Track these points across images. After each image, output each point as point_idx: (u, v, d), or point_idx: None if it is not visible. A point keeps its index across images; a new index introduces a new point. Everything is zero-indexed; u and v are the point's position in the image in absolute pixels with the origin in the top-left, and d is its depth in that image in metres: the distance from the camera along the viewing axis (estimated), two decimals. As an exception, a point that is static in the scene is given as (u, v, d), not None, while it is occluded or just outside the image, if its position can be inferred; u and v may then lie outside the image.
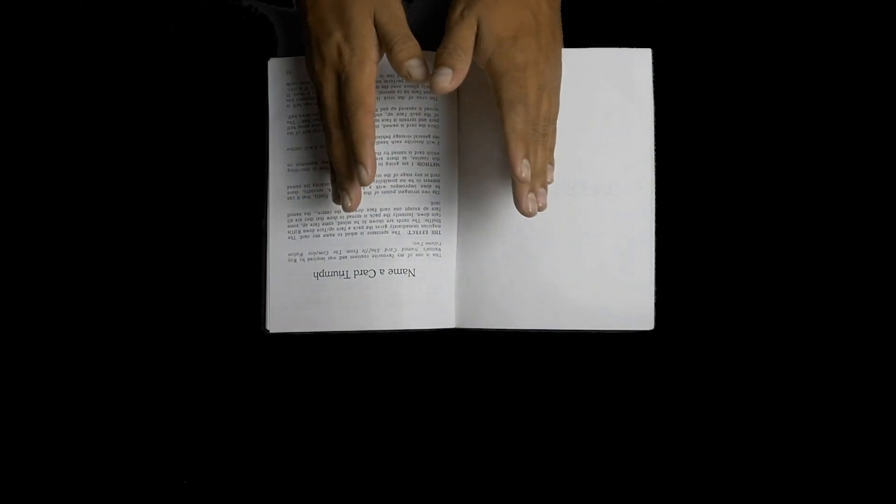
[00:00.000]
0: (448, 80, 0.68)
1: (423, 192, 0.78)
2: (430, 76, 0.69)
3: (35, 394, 0.78)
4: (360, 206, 0.77)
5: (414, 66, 0.70)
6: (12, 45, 0.80)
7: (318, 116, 0.75)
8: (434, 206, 0.78)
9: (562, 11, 0.74)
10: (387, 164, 0.78)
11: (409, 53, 0.70)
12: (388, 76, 0.77)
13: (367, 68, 0.70)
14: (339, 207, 0.77)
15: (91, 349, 0.78)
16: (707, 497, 0.77)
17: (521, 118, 0.69)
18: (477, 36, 0.70)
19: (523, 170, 0.69)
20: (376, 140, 0.78)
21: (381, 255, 0.77)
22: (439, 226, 0.77)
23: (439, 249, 0.77)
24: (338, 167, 0.72)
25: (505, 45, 0.69)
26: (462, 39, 0.69)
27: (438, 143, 0.78)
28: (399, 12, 0.72)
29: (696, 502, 0.77)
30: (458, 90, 0.71)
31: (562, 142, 0.77)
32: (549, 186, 0.76)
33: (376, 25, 0.71)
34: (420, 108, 0.77)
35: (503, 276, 0.77)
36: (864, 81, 0.78)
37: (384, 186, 0.78)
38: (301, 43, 0.76)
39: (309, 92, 0.78)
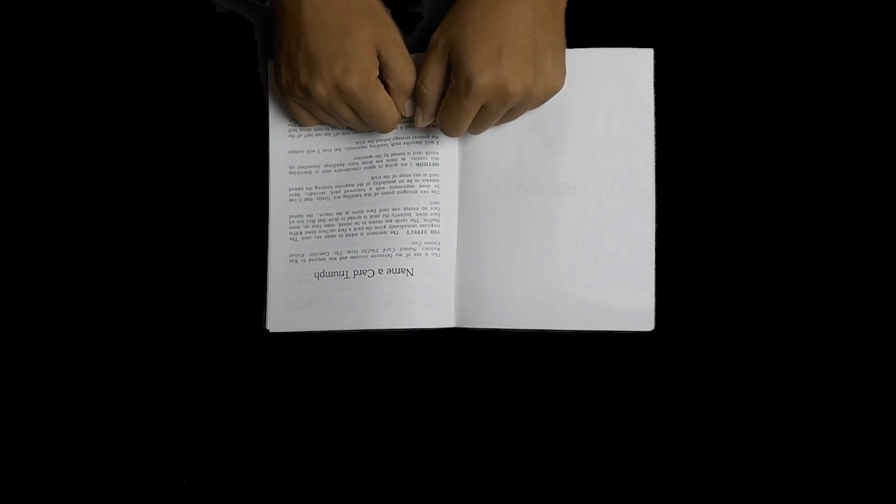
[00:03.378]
0: (420, 120, 0.75)
1: (421, 191, 0.78)
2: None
3: (36, 393, 0.79)
4: (360, 208, 0.78)
5: (409, 105, 0.75)
6: (11, 52, 0.80)
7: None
8: (433, 205, 0.78)
9: (565, 12, 0.74)
10: (386, 165, 0.78)
11: (410, 94, 0.74)
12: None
13: (377, 89, 0.73)
14: (340, 209, 0.78)
15: (92, 349, 0.79)
16: (707, 497, 0.76)
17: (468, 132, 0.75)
18: (451, 61, 0.71)
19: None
20: (375, 142, 0.78)
21: (380, 256, 0.77)
22: (438, 225, 0.78)
23: (438, 249, 0.77)
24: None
25: (472, 74, 0.69)
26: (429, 76, 0.72)
27: (437, 143, 0.78)
28: (399, 38, 0.73)
29: (696, 502, 0.77)
30: None
31: (563, 142, 0.77)
32: (550, 186, 0.77)
33: (381, 57, 0.72)
34: (418, 109, 0.78)
35: (503, 275, 0.77)
36: (864, 81, 0.77)
37: (383, 188, 0.78)
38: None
39: None
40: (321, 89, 0.72)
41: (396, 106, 0.74)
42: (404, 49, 0.73)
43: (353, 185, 0.79)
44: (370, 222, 0.78)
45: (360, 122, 0.75)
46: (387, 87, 0.73)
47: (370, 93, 0.72)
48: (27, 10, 0.80)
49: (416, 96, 0.74)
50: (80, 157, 0.80)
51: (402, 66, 0.73)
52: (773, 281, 0.77)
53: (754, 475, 0.76)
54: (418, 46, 0.76)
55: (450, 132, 0.73)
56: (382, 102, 0.73)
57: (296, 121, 0.79)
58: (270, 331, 0.78)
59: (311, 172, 0.79)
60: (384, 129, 0.75)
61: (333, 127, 0.79)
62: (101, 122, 0.80)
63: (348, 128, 0.78)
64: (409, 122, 0.77)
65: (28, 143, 0.80)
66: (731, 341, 0.77)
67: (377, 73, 0.72)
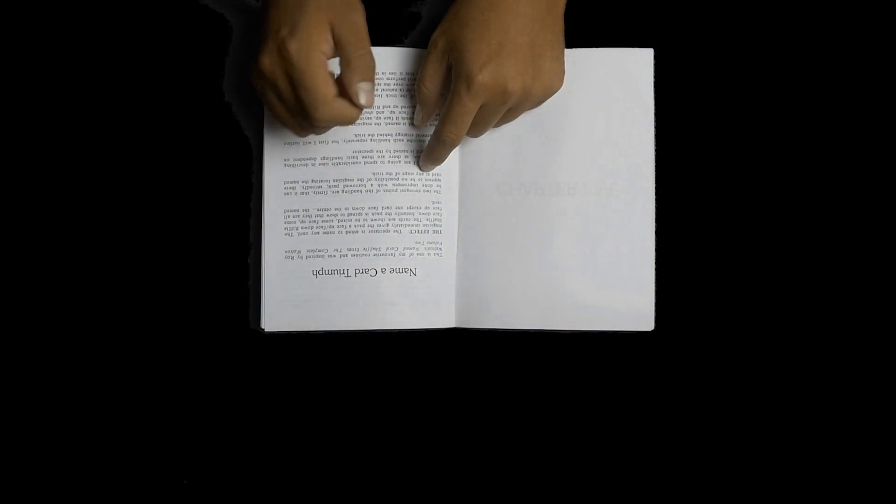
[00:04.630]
0: (419, 119, 0.75)
1: (424, 190, 0.77)
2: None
3: (33, 394, 0.78)
4: (361, 204, 0.77)
5: (364, 91, 0.70)
6: (9, 52, 0.79)
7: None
8: (435, 205, 0.77)
9: (564, 12, 0.74)
10: (389, 162, 0.78)
11: (361, 75, 0.70)
12: (389, 73, 0.77)
13: (316, 58, 0.68)
14: (339, 205, 0.77)
15: (89, 349, 0.78)
16: (707, 497, 0.77)
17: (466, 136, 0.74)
18: (451, 60, 0.71)
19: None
20: (376, 136, 0.78)
21: (383, 255, 0.77)
22: (440, 225, 0.77)
23: (440, 249, 0.77)
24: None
25: (472, 72, 0.69)
26: (428, 76, 0.72)
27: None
28: (360, 22, 0.70)
29: (696, 502, 0.77)
30: None
31: (564, 142, 0.77)
32: (550, 186, 0.77)
33: (334, 35, 0.69)
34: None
35: (503, 275, 0.77)
36: (864, 81, 0.78)
37: (386, 185, 0.78)
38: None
39: None
40: (266, 60, 0.69)
41: (347, 86, 0.70)
42: (361, 29, 0.70)
43: (352, 180, 0.78)
44: (372, 220, 0.77)
45: (297, 106, 0.70)
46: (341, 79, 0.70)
47: (310, 61, 0.68)
48: (26, 9, 0.79)
49: (418, 98, 0.74)
50: (77, 155, 0.79)
51: (353, 41, 0.69)
52: (773, 281, 0.77)
53: (754, 475, 0.77)
54: (418, 46, 0.76)
55: (451, 134, 0.72)
56: (321, 80, 0.68)
57: None
58: (266, 330, 0.77)
59: (307, 165, 0.78)
60: (312, 110, 0.69)
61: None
62: (96, 119, 0.79)
63: (285, 121, 0.73)
64: (411, 122, 0.77)
65: (21, 141, 0.79)
66: (731, 341, 0.77)
67: (326, 50, 0.69)
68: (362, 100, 0.70)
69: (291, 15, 0.69)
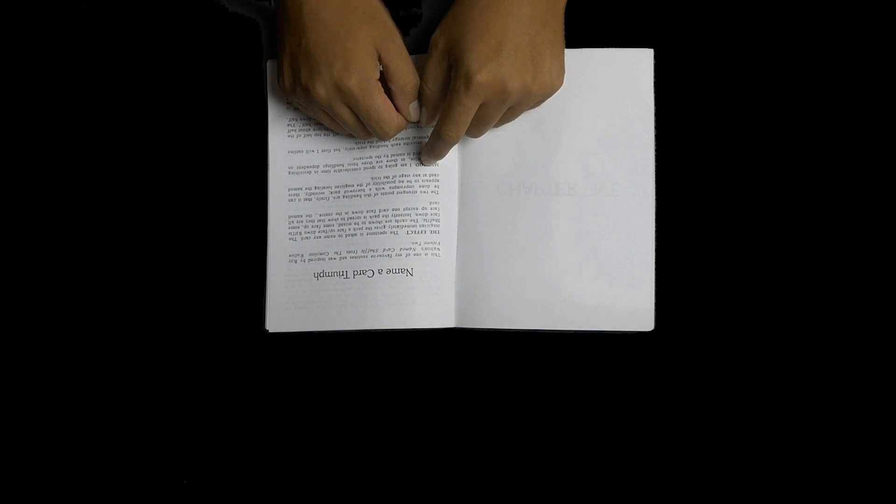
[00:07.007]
0: (423, 120, 0.76)
1: (421, 192, 0.78)
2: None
3: (36, 393, 0.79)
4: (359, 208, 0.78)
5: (414, 109, 0.75)
6: (12, 52, 0.80)
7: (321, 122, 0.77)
8: (433, 205, 0.78)
9: (564, 11, 0.74)
10: (387, 166, 0.78)
11: (412, 98, 0.75)
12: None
13: (375, 91, 0.72)
14: (339, 210, 0.78)
15: (93, 349, 0.79)
16: (707, 497, 0.77)
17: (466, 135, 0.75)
18: (451, 60, 0.71)
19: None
20: (375, 142, 0.78)
21: (380, 256, 0.77)
22: (438, 225, 0.78)
23: (438, 249, 0.77)
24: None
25: (472, 71, 0.70)
26: (430, 76, 0.73)
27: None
28: (402, 44, 0.73)
29: (696, 502, 0.77)
30: None
31: (563, 142, 0.77)
32: (550, 186, 0.77)
33: (381, 60, 0.72)
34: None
35: (503, 275, 0.77)
36: (864, 81, 0.78)
37: (383, 188, 0.78)
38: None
39: None
40: (321, 89, 0.72)
41: (399, 109, 0.74)
42: (405, 52, 0.73)
43: (352, 186, 0.79)
44: (370, 222, 0.78)
45: (361, 126, 0.75)
46: (388, 92, 0.73)
47: (369, 93, 0.72)
48: (27, 8, 0.80)
49: (419, 98, 0.74)
50: (80, 157, 0.80)
51: (403, 68, 0.73)
52: (773, 281, 0.77)
53: (754, 475, 0.76)
54: (418, 47, 0.76)
55: (450, 132, 0.73)
56: (381, 104, 0.73)
57: (294, 121, 0.79)
58: (270, 331, 0.78)
59: (310, 172, 0.79)
60: (383, 134, 0.74)
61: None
62: (101, 122, 0.80)
63: (350, 135, 0.78)
64: (411, 124, 0.77)
65: (28, 143, 0.80)
66: (731, 341, 0.77)
67: (377, 75, 0.72)
68: (413, 117, 0.75)
69: (342, 44, 0.71)
